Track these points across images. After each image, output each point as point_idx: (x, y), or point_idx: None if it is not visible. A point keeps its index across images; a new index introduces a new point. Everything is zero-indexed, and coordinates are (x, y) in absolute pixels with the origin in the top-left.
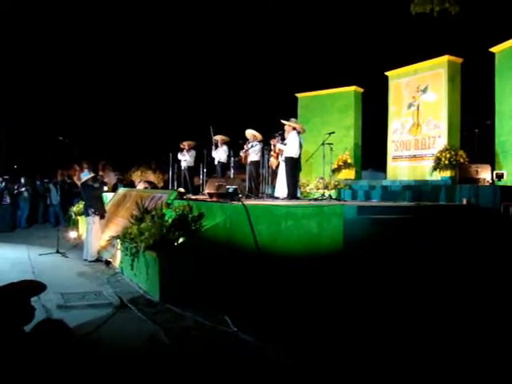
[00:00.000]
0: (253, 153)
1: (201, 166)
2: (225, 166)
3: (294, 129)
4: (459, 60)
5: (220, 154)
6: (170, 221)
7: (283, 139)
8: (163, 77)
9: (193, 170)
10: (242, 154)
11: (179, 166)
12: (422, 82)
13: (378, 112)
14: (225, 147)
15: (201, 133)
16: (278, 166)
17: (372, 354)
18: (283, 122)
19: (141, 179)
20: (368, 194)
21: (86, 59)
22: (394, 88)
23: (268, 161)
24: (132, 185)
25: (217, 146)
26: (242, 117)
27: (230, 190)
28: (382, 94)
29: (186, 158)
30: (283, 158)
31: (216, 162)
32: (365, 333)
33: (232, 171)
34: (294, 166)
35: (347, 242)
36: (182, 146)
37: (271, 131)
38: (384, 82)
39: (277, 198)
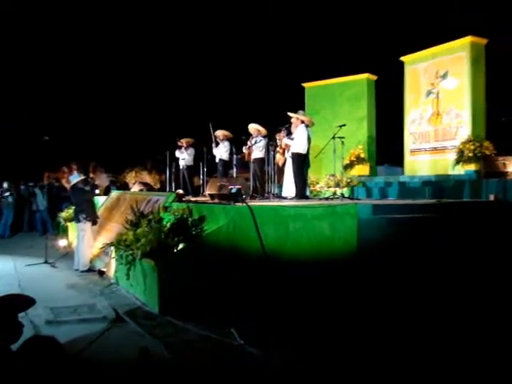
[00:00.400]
0: (257, 149)
1: (200, 164)
2: (227, 165)
3: (302, 122)
4: (483, 41)
5: (221, 151)
6: (168, 225)
7: (290, 133)
8: (158, 68)
9: (192, 170)
10: (245, 150)
11: (177, 166)
12: (441, 66)
13: (394, 101)
14: (226, 143)
15: (200, 129)
16: (284, 163)
17: (385, 367)
18: (290, 114)
19: (135, 181)
20: (384, 192)
21: (73, 51)
22: (411, 74)
23: (274, 157)
24: (126, 187)
25: (217, 143)
26: (244, 110)
27: (233, 191)
28: (398, 81)
29: (184, 157)
30: (290, 154)
31: (217, 160)
32: (380, 344)
33: (234, 170)
34: (301, 162)
35: (362, 245)
36: (179, 144)
37: (276, 125)
38: (399, 68)
39: (284, 198)
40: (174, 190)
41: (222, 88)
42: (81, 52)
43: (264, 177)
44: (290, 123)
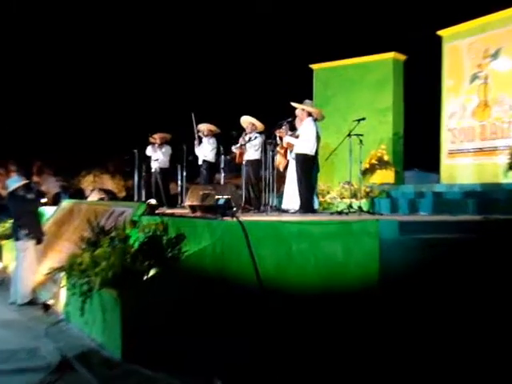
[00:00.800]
0: (251, 148)
1: (178, 167)
2: (212, 168)
3: (309, 114)
4: None
5: (205, 151)
6: (136, 245)
7: (294, 129)
8: (125, 45)
9: (168, 174)
10: (236, 150)
11: (148, 168)
12: (491, 43)
13: (428, 88)
14: (212, 141)
15: (179, 121)
16: (286, 167)
17: None
18: (294, 104)
19: (94, 187)
20: (414, 205)
21: (24, 33)
22: (451, 53)
23: (272, 159)
24: (81, 195)
25: (201, 140)
26: (236, 99)
27: (221, 202)
28: (433, 62)
29: (157, 157)
30: (294, 156)
31: (200, 162)
32: None
33: (223, 174)
34: (308, 166)
35: (385, 274)
36: (152, 140)
37: (277, 118)
38: (436, 46)
39: (285, 212)
40: (144, 199)
41: (207, 70)
42: (32, 33)
43: (260, 184)
44: (294, 116)
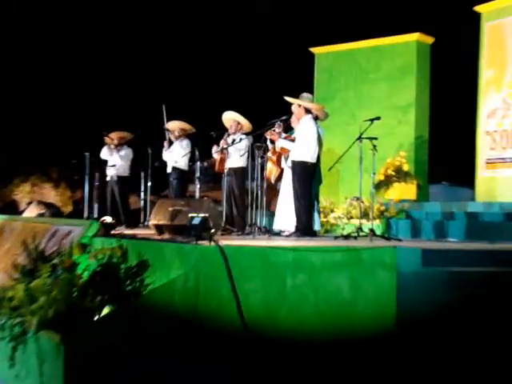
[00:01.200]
0: (235, 153)
1: (142, 175)
2: (185, 177)
3: (308, 112)
4: None
5: (176, 155)
6: (85, 276)
7: (289, 130)
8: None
9: (127, 184)
10: (215, 154)
11: (103, 176)
12: None
13: (461, 80)
14: (185, 143)
15: (143, 117)
16: (279, 178)
17: None
18: (288, 99)
19: (31, 199)
20: (442, 229)
21: None
22: (492, 35)
23: (262, 168)
24: (14, 209)
25: (171, 142)
26: (217, 91)
27: (195, 221)
28: (469, 46)
29: (114, 162)
30: (289, 164)
31: (169, 170)
32: None
33: (198, 186)
34: (307, 177)
35: (404, 316)
36: (107, 141)
37: (268, 116)
38: (472, 25)
39: (278, 235)
40: (96, 216)
41: (181, 54)
42: None
43: (245, 199)
44: (290, 114)
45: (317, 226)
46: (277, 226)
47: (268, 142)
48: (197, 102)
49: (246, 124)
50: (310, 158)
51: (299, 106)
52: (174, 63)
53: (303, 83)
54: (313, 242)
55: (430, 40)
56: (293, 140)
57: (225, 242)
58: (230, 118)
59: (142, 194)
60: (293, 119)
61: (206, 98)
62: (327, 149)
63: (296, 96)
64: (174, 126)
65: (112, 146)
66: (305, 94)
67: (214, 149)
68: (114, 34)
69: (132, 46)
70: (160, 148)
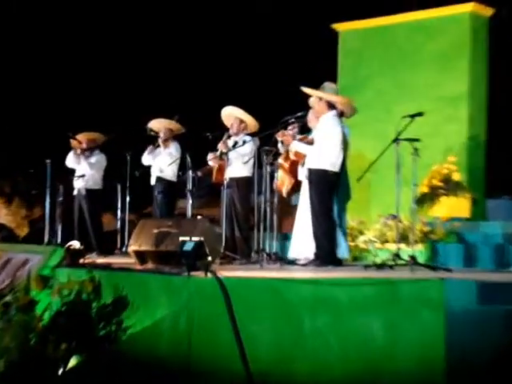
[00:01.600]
0: (238, 160)
1: (118, 188)
2: (173, 190)
3: (331, 107)
4: None
5: (162, 162)
6: (47, 317)
7: (306, 131)
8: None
9: (99, 199)
10: (212, 161)
11: (68, 189)
12: None
13: None
14: (173, 146)
15: (118, 115)
16: (293, 191)
17: None
18: (306, 90)
19: None
20: (503, 255)
21: None
22: None
23: (272, 178)
24: None
25: (157, 144)
26: (215, 82)
27: (188, 247)
28: None
29: (83, 171)
30: (306, 174)
31: (153, 181)
32: None
33: (190, 201)
34: (329, 189)
35: (454, 367)
36: (74, 144)
37: (279, 114)
38: None
39: (292, 264)
40: (60, 240)
41: (170, 37)
42: None
43: (251, 217)
44: (307, 110)
45: (342, 253)
46: (292, 252)
47: (279, 145)
48: (188, 95)
49: (250, 122)
50: (332, 165)
51: (320, 99)
52: (156, 44)
53: (324, 70)
54: (337, 272)
55: (488, 12)
56: (310, 142)
57: (225, 272)
58: (230, 114)
59: (119, 211)
60: (311, 117)
61: (200, 90)
62: (355, 154)
63: (316, 87)
64: (158, 125)
65: (80, 151)
66: (327, 84)
67: (211, 155)
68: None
69: (102, 28)
70: (139, 152)
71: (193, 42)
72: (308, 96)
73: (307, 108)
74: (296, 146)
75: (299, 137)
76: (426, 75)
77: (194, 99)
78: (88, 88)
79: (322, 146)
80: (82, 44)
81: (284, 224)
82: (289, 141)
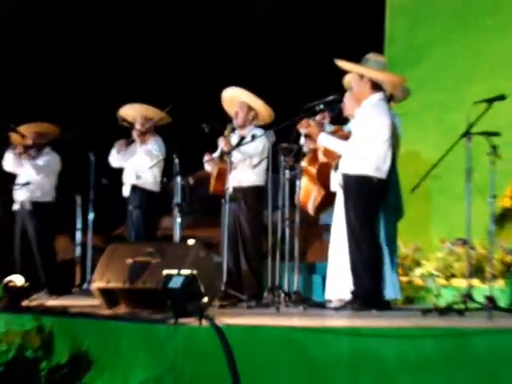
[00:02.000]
0: (244, 162)
1: (78, 201)
2: (154, 204)
3: (377, 88)
4: None
5: (138, 165)
6: None
7: (341, 121)
8: None
9: (50, 215)
10: (208, 163)
11: (7, 203)
12: None
13: None
14: (154, 143)
15: (80, 100)
16: (323, 206)
17: None
18: (341, 64)
19: None
20: None
21: None
22: None
23: (293, 188)
24: None
25: (131, 139)
26: (210, 56)
27: (175, 283)
28: None
29: (27, 177)
30: (341, 182)
31: (127, 192)
32: None
33: (178, 220)
34: (373, 204)
35: None
36: (15, 140)
37: (301, 100)
38: None
39: (321, 307)
40: None
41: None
42: None
43: (263, 242)
44: (341, 94)
45: (391, 292)
46: (329, 293)
47: (303, 141)
48: (177, 72)
49: (262, 110)
50: (377, 170)
51: (361, 77)
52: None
53: (366, 38)
54: (383, 320)
55: None
56: (346, 137)
57: (227, 319)
58: (234, 99)
59: (79, 233)
60: (348, 102)
61: (194, 65)
62: (408, 153)
63: (357, 60)
64: (133, 112)
65: (23, 150)
66: (372, 56)
67: (207, 155)
68: None
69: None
70: (105, 150)
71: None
72: (343, 73)
73: (341, 91)
74: (326, 142)
75: (330, 128)
76: (508, 43)
77: (184, 77)
78: (38, 64)
79: (362, 142)
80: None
81: (310, 251)
82: (316, 133)
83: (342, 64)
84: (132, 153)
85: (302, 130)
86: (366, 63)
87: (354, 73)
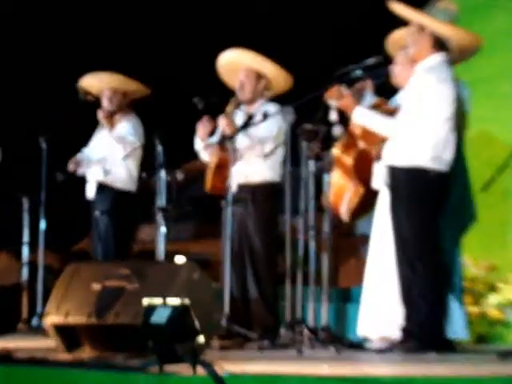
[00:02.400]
0: (253, 150)
1: (25, 204)
2: (128, 207)
3: (440, 45)
4: None
5: (106, 154)
6: None
7: (386, 93)
8: None
9: None
10: (205, 151)
11: None
12: None
13: None
14: (128, 125)
15: (29, 69)
16: (361, 209)
17: None
18: (398, 10)
19: None
20: None
21: None
22: None
23: (319, 184)
24: None
25: (98, 125)
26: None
27: (159, 317)
28: None
29: None
30: (386, 176)
31: (92, 192)
32: None
33: (162, 229)
34: (430, 205)
35: None
36: None
37: (331, 65)
38: None
39: (359, 348)
40: None
41: None
42: None
43: (279, 260)
44: (386, 55)
45: (456, 328)
46: (361, 327)
47: (333, 119)
48: (161, 32)
49: (276, 75)
50: (436, 160)
51: (421, 29)
52: None
53: None
54: (446, 366)
55: None
56: (392, 113)
57: (230, 366)
58: (236, 64)
59: (26, 249)
60: (399, 67)
61: (179, 23)
62: (480, 136)
63: (416, 3)
64: (98, 83)
65: None
66: (440, 3)
67: (202, 142)
68: None
69: None
70: (55, 137)
71: None
72: (395, 23)
73: (384, 54)
74: (363, 119)
75: (371, 100)
76: None
77: (168, 38)
78: None
79: (415, 121)
80: None
81: (343, 271)
82: (351, 107)
83: (399, 9)
84: (98, 139)
85: (332, 103)
86: (434, 10)
87: (413, 22)
